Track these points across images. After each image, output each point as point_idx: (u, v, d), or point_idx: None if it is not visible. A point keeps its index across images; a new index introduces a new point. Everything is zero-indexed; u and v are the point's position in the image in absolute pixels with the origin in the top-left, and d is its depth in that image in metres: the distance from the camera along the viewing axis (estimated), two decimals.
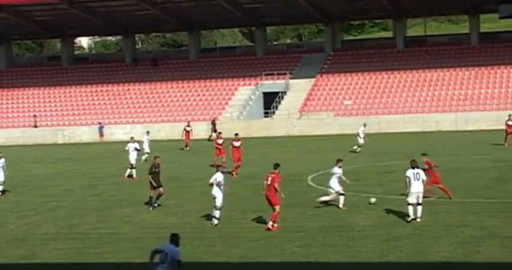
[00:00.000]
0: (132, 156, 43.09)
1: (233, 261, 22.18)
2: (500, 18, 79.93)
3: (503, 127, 54.06)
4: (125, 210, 31.36)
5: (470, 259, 21.17)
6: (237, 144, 41.63)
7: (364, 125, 54.92)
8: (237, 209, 29.34)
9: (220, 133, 46.32)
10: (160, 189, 31.07)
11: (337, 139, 64.17)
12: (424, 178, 26.53)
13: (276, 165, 26.36)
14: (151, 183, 31.04)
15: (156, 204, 31.00)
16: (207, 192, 29.82)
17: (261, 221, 27.31)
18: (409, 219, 26.16)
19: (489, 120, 67.66)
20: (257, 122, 74.88)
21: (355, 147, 51.65)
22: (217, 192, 27.18)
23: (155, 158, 32.56)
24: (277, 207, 25.80)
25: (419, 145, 54.19)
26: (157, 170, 31.21)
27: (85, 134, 78.07)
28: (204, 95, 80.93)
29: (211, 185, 27.39)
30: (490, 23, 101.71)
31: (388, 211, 28.35)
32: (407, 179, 26.48)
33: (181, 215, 29.54)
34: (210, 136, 66.90)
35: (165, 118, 77.84)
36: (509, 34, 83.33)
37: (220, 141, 44.29)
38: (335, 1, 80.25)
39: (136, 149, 44.07)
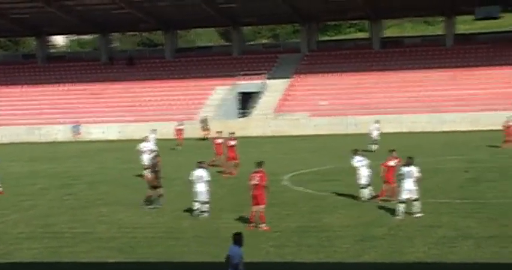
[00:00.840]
0: (146, 157, 40.14)
1: (207, 261, 22.20)
2: (476, 19, 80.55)
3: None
4: (100, 209, 31.31)
5: (445, 260, 21.34)
6: (232, 143, 41.66)
7: (377, 122, 54.60)
8: (213, 208, 29.32)
9: (220, 132, 46.01)
10: (160, 189, 31.06)
11: (313, 139, 64.28)
12: (418, 175, 27.11)
13: (261, 164, 26.62)
14: (151, 182, 31.10)
15: (159, 206, 30.86)
16: (185, 191, 29.87)
17: (237, 220, 27.38)
18: (399, 217, 26.65)
19: (464, 121, 68.08)
20: (233, 122, 74.82)
21: (373, 146, 50.69)
22: (201, 187, 27.71)
23: (155, 157, 32.94)
24: (262, 207, 25.93)
25: (396, 146, 54.31)
26: (157, 168, 31.31)
27: (61, 132, 77.72)
28: (180, 94, 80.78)
29: (193, 181, 27.87)
30: (466, 25, 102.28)
31: (364, 211, 28.50)
32: (401, 176, 27.19)
33: (156, 214, 29.53)
34: (205, 135, 66.96)
35: (140, 118, 77.62)
36: (484, 36, 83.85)
37: (219, 141, 44.13)
38: (312, 1, 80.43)
39: (151, 150, 41.41)
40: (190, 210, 29.13)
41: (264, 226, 25.74)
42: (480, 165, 41.54)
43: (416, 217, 26.76)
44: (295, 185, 36.19)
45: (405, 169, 27.22)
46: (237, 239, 16.69)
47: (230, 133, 43.06)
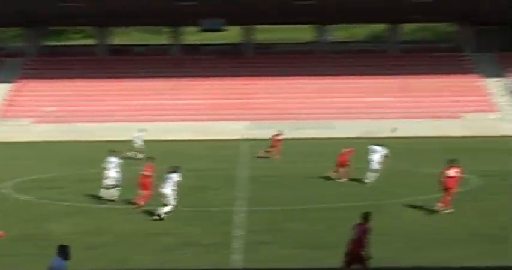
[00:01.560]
0: None
1: None
2: (200, 31, 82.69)
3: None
4: None
5: (170, 267, 21.62)
6: None
7: (141, 131, 54.17)
8: None
9: None
10: None
11: (37, 146, 62.82)
12: (178, 181, 28.54)
13: None
14: None
15: None
16: None
17: None
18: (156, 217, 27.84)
19: (186, 130, 68.95)
20: None
21: (136, 154, 50.14)
22: None
23: None
24: None
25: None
26: None
27: None
28: None
29: None
30: (197, 36, 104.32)
31: (89, 219, 28.30)
32: (164, 181, 28.40)
33: None
34: None
35: None
36: (210, 47, 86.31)
37: None
38: (38, 5, 78.59)
39: None
40: None
41: None
42: (205, 174, 42.39)
43: (158, 220, 27.57)
44: (16, 193, 35.17)
45: (168, 175, 28.43)
46: (60, 250, 15.85)
47: None
